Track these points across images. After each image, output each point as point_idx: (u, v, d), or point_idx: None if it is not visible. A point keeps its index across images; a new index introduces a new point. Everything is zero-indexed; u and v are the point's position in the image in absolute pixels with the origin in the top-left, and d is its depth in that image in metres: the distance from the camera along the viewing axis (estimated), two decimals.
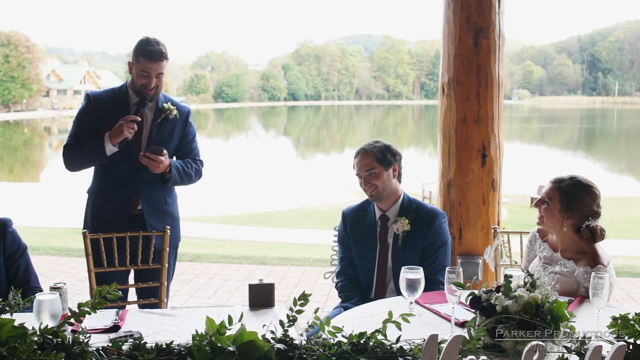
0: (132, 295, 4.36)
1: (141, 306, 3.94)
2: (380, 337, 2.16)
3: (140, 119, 3.96)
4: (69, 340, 2.05)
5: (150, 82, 3.94)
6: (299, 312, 2.23)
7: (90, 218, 4.14)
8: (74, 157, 4.03)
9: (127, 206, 4.05)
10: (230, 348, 2.05)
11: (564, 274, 3.22)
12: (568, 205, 3.23)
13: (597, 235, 3.23)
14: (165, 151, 3.96)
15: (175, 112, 4.11)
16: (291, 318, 2.21)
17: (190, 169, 4.16)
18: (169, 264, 3.97)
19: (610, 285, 2.58)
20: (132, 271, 4.13)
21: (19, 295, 2.38)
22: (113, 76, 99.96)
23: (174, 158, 4.19)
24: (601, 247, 3.28)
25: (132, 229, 3.92)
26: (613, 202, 19.53)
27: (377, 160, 3.65)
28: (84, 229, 4.09)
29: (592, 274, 2.62)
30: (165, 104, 4.09)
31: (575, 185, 3.25)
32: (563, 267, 3.25)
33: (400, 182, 3.77)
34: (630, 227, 16.26)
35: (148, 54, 3.89)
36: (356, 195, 18.80)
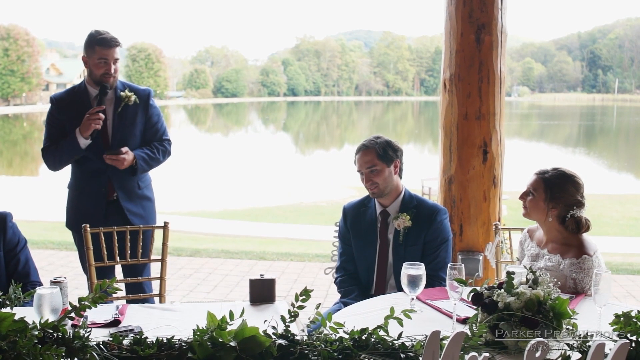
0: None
1: (132, 301, 3.97)
2: (381, 333, 2.16)
3: (104, 107, 4.10)
4: (69, 335, 2.04)
5: (110, 68, 4.09)
6: (301, 307, 2.23)
7: (71, 211, 4.32)
8: (52, 158, 4.23)
9: (103, 195, 4.22)
10: (231, 343, 2.04)
11: (549, 269, 3.26)
12: (552, 195, 3.31)
13: (582, 225, 3.30)
14: (125, 148, 4.10)
15: (134, 97, 4.24)
16: (293, 313, 2.20)
17: (156, 153, 4.31)
18: (146, 248, 4.06)
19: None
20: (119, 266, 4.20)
21: (19, 289, 2.37)
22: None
23: (140, 143, 4.30)
24: (587, 237, 3.33)
25: (108, 216, 4.15)
26: (612, 200, 19.52)
27: (379, 157, 3.64)
28: (67, 223, 4.34)
29: (594, 271, 2.62)
30: (122, 92, 4.22)
31: (559, 175, 3.34)
32: (548, 262, 3.31)
33: (401, 178, 3.77)
34: (630, 224, 16.25)
35: (103, 42, 4.07)
36: (355, 191, 18.78)
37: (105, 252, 3.85)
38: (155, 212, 4.46)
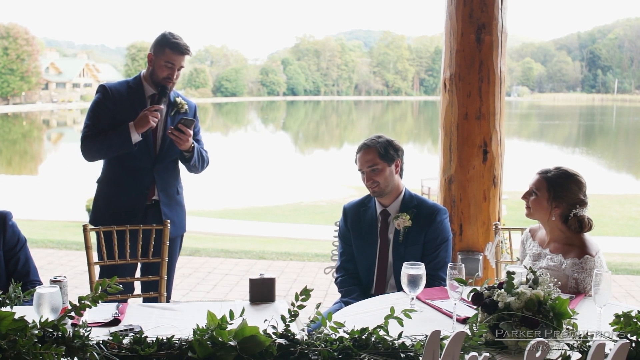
0: (138, 289, 4.36)
1: (144, 299, 3.97)
2: (382, 332, 2.16)
3: (163, 107, 4.04)
4: (69, 334, 2.04)
5: (173, 74, 4.04)
6: (301, 307, 2.22)
7: (105, 208, 4.15)
8: (98, 147, 4.04)
9: (145, 196, 4.11)
10: (231, 343, 2.04)
11: (551, 268, 3.26)
12: (555, 194, 3.30)
13: (584, 224, 3.29)
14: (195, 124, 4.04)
15: (186, 106, 4.21)
16: (293, 313, 2.20)
17: (205, 156, 4.29)
18: (174, 254, 4.06)
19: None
20: (139, 264, 4.17)
21: (19, 288, 2.37)
22: (112, 69, 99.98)
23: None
24: (589, 238, 3.33)
25: (146, 219, 4.04)
26: (612, 200, 19.55)
27: (380, 156, 3.64)
28: (94, 219, 4.14)
29: (594, 271, 2.62)
30: (177, 98, 4.19)
31: (562, 174, 3.33)
32: (550, 262, 3.30)
33: (401, 177, 3.77)
34: (629, 224, 16.27)
35: (175, 47, 4.00)
36: (355, 190, 18.80)
37: (116, 251, 3.79)
38: (186, 221, 4.37)
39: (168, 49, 3.99)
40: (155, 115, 3.96)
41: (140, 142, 4.01)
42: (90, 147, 4.04)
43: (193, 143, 4.08)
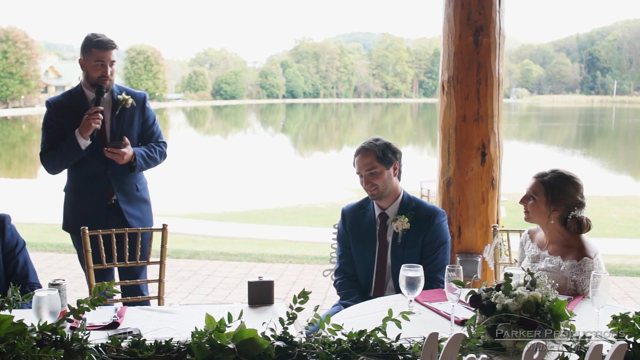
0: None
1: (130, 304, 3.97)
2: (380, 335, 2.16)
3: (102, 108, 4.11)
4: (68, 337, 2.05)
5: (106, 71, 4.12)
6: (299, 309, 2.23)
7: (70, 214, 4.32)
8: (52, 161, 4.21)
9: (104, 198, 4.22)
10: (230, 345, 2.05)
11: (549, 270, 3.26)
12: (553, 198, 3.31)
13: (583, 225, 3.30)
14: (127, 140, 4.13)
15: (131, 100, 4.27)
16: (291, 316, 2.21)
17: (154, 152, 4.33)
18: (145, 250, 4.09)
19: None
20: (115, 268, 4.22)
21: (18, 291, 2.37)
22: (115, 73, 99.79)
23: (137, 146, 4.30)
24: (588, 240, 3.33)
25: (108, 219, 4.15)
26: (611, 201, 19.54)
27: (378, 160, 3.64)
28: (64, 225, 4.35)
29: (592, 273, 2.62)
30: (120, 95, 4.25)
31: (558, 177, 3.34)
32: (549, 264, 3.30)
33: (400, 180, 3.77)
34: (629, 226, 16.26)
35: (99, 44, 4.09)
36: (354, 193, 18.78)
37: (104, 255, 3.85)
38: (152, 215, 4.47)
39: (93, 49, 4.09)
40: (96, 117, 4.05)
41: (91, 148, 4.11)
42: (48, 161, 4.22)
43: (133, 153, 4.15)
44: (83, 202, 4.25)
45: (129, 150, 4.11)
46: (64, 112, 4.19)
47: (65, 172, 4.33)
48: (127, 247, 3.92)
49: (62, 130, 4.16)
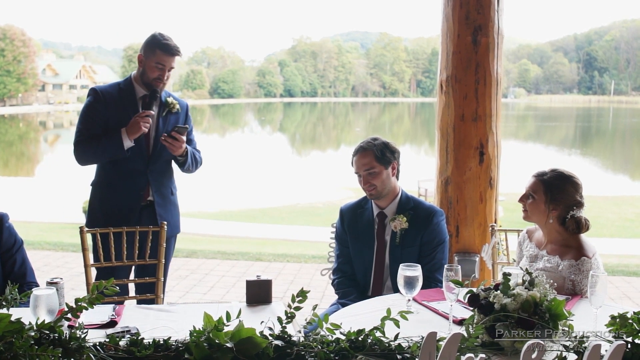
0: (132, 291, 4.36)
1: (139, 302, 3.96)
2: (378, 334, 2.16)
3: (154, 113, 4.04)
4: (66, 336, 2.04)
5: (164, 75, 4.04)
6: (297, 308, 2.23)
7: (100, 211, 4.16)
8: (91, 153, 4.06)
9: (139, 197, 4.11)
10: (228, 344, 2.05)
11: (547, 270, 3.26)
12: (552, 197, 3.31)
13: (582, 225, 3.30)
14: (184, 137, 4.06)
15: (177, 106, 4.22)
16: (289, 315, 2.21)
17: (199, 157, 4.32)
18: (168, 254, 4.05)
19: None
20: (133, 266, 4.14)
21: (16, 290, 2.37)
22: (109, 71, 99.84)
23: None
24: (586, 239, 3.34)
25: (141, 220, 4.04)
26: (608, 201, 19.57)
27: (377, 159, 3.63)
28: (90, 222, 4.14)
29: (591, 272, 2.63)
30: (168, 99, 4.19)
31: (558, 176, 3.34)
32: (547, 263, 3.31)
33: (398, 179, 3.76)
34: (625, 226, 16.29)
35: (166, 48, 4.00)
36: (352, 192, 18.80)
37: (114, 253, 3.78)
38: (180, 221, 4.39)
39: (159, 50, 4.00)
40: (146, 121, 3.97)
41: (135, 145, 4.02)
42: (83, 152, 4.06)
43: (186, 147, 4.10)
44: (116, 199, 4.10)
45: (184, 144, 4.05)
46: (110, 104, 4.06)
47: (92, 166, 4.21)
48: (150, 245, 3.86)
49: (104, 122, 4.03)
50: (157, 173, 4.13)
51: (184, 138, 4.03)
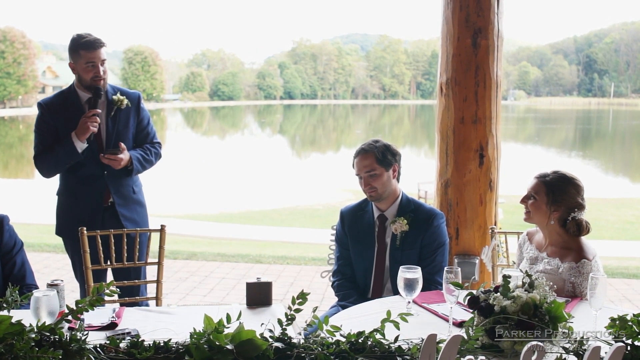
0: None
1: (128, 305, 3.96)
2: (378, 336, 2.16)
3: (99, 110, 4.05)
4: (66, 338, 2.05)
5: (99, 71, 4.04)
6: (297, 310, 2.23)
7: (64, 217, 4.23)
8: (47, 164, 4.13)
9: (100, 200, 4.16)
10: (228, 346, 2.05)
11: (547, 272, 3.27)
12: (554, 198, 3.31)
13: (582, 227, 3.31)
14: (123, 145, 4.08)
15: (126, 101, 4.20)
16: (289, 317, 2.21)
17: (150, 154, 4.28)
18: (142, 253, 4.04)
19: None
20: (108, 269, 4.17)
21: (16, 292, 2.37)
22: (109, 73, 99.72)
23: (132, 146, 4.26)
24: (587, 242, 3.34)
25: (104, 222, 4.08)
26: (608, 203, 19.55)
27: (378, 161, 3.64)
28: (58, 230, 4.26)
29: (590, 275, 2.63)
30: (114, 96, 4.18)
31: (560, 178, 3.35)
32: (547, 265, 3.31)
33: (399, 182, 3.77)
34: (625, 228, 16.28)
35: (87, 45, 4.00)
36: (352, 194, 18.79)
37: (102, 256, 3.83)
38: (147, 217, 4.41)
39: (82, 50, 4.01)
40: (93, 120, 3.98)
41: (87, 150, 4.05)
42: (42, 164, 4.13)
43: (130, 157, 4.11)
44: (79, 205, 4.17)
45: (125, 156, 4.07)
46: (58, 114, 4.11)
47: (57, 176, 4.26)
48: (125, 248, 3.89)
49: (56, 132, 4.09)
50: (114, 176, 4.14)
51: (121, 156, 4.04)
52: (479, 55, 4.90)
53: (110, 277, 4.26)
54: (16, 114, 69.43)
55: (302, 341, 2.14)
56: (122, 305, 3.92)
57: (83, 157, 4.04)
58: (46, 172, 4.17)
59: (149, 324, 2.72)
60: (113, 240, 3.86)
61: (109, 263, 3.93)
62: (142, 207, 4.35)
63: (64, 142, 4.01)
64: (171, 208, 17.35)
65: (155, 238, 4.01)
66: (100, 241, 3.82)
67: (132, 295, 4.11)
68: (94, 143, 4.09)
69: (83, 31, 4.10)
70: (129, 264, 3.94)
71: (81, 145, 4.01)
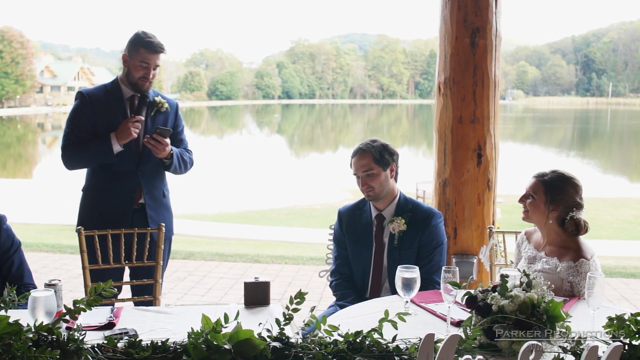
0: (126, 292, 4.34)
1: (135, 303, 3.95)
2: (376, 336, 2.16)
3: (142, 118, 3.99)
4: (64, 337, 2.04)
5: (149, 74, 3.97)
6: (295, 310, 2.23)
7: (90, 215, 4.09)
8: (78, 158, 4.02)
9: (131, 200, 4.05)
10: (226, 346, 2.05)
11: (546, 271, 3.27)
12: (553, 197, 3.32)
13: (581, 227, 3.31)
14: (171, 130, 4.01)
15: (166, 105, 4.15)
16: (287, 316, 2.21)
17: (186, 157, 4.23)
18: (163, 259, 3.99)
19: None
20: (126, 268, 4.11)
21: (14, 291, 2.37)
22: (107, 73, 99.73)
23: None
24: (585, 241, 3.34)
25: (133, 223, 3.98)
26: (606, 203, 19.56)
27: (375, 161, 3.64)
28: (80, 226, 4.06)
29: (588, 274, 2.63)
30: (156, 98, 4.12)
31: (558, 177, 3.35)
32: (545, 265, 3.31)
33: (396, 181, 3.77)
34: (623, 227, 16.29)
35: (149, 45, 3.94)
36: (350, 193, 18.79)
37: (112, 255, 3.78)
38: (173, 223, 4.33)
39: (142, 49, 3.94)
40: (136, 126, 3.93)
41: (124, 146, 3.97)
42: (71, 156, 4.02)
43: (172, 150, 4.04)
44: (109, 202, 4.03)
45: (168, 146, 3.99)
46: (98, 107, 4.00)
47: (84, 170, 4.15)
48: (148, 247, 3.86)
49: (92, 125, 3.98)
50: (148, 175, 4.07)
51: (168, 140, 3.96)
52: (477, 54, 4.91)
53: (127, 277, 4.19)
54: (14, 114, 69.38)
55: (300, 341, 2.14)
56: (135, 304, 3.92)
57: (116, 160, 3.95)
58: (72, 165, 4.05)
59: (146, 323, 2.72)
60: (137, 240, 3.81)
61: (118, 262, 3.87)
62: (168, 212, 4.26)
63: (101, 140, 3.92)
64: None
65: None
66: (124, 240, 3.78)
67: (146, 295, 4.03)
68: (132, 142, 3.99)
69: (149, 31, 4.02)
70: (127, 264, 3.91)
71: (118, 148, 3.92)
